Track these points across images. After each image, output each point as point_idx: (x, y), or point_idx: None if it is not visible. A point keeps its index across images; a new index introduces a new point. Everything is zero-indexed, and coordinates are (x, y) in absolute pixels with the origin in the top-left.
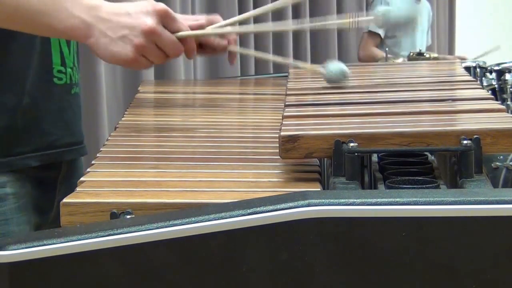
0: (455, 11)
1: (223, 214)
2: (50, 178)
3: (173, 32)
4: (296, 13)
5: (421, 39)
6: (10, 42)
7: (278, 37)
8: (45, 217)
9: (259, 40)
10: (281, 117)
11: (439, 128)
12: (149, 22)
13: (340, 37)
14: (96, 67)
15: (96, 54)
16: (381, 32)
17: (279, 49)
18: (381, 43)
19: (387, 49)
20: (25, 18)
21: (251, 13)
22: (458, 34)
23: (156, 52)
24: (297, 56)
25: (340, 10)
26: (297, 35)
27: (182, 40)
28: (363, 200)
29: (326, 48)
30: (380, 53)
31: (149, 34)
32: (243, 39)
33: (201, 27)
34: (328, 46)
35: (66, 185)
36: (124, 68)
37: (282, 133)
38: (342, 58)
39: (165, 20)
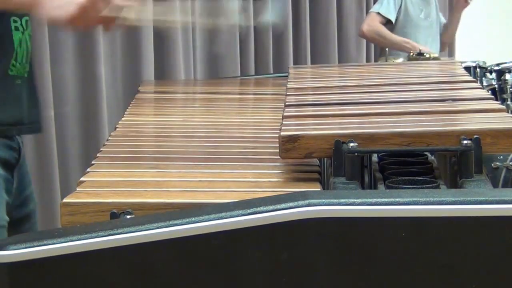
0: None
1: (223, 214)
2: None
3: None
4: (296, 13)
5: (430, 32)
6: None
7: (278, 37)
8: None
9: (259, 40)
10: (281, 117)
11: (439, 128)
12: None
13: (340, 37)
14: (96, 67)
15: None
16: (391, 17)
17: (279, 49)
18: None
19: (387, 49)
20: None
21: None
22: (458, 34)
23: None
24: (297, 55)
25: (340, 9)
26: (297, 35)
27: None
28: (363, 200)
29: (326, 48)
30: (386, 30)
31: None
32: (242, 37)
33: None
34: (328, 46)
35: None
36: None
37: (282, 133)
38: (342, 58)
39: None
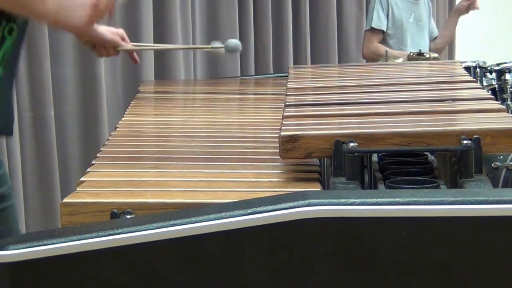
0: None
1: (223, 214)
2: None
3: None
4: (296, 13)
5: (423, 35)
6: None
7: (278, 37)
8: None
9: (259, 40)
10: (281, 117)
11: (439, 128)
12: None
13: (340, 37)
14: (96, 67)
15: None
16: (384, 27)
17: (279, 49)
18: (383, 40)
19: (387, 49)
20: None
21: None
22: (458, 34)
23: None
24: (297, 55)
25: (340, 9)
26: (297, 35)
27: None
28: (363, 200)
29: (326, 48)
30: (383, 48)
31: None
32: (243, 38)
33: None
34: (328, 46)
35: None
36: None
37: (282, 133)
38: (342, 58)
39: None
